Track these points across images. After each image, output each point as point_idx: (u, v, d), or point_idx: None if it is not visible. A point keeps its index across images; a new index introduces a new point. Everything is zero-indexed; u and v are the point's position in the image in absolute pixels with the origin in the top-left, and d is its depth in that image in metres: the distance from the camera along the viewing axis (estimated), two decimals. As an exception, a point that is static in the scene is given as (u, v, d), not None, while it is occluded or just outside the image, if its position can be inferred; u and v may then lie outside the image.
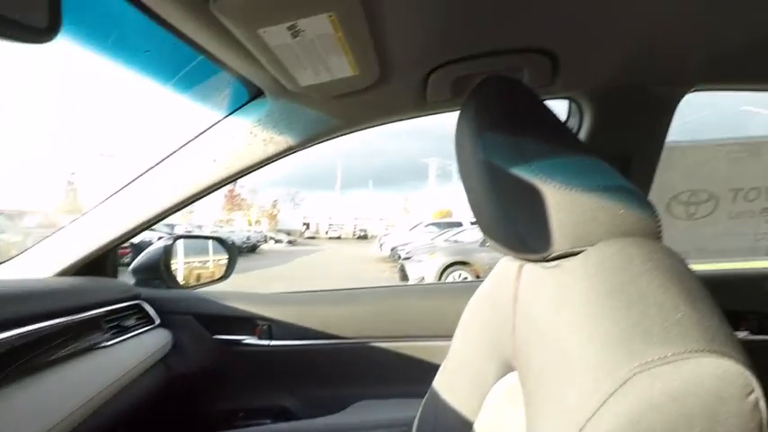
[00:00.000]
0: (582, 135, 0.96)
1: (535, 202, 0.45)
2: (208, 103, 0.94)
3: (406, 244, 10.68)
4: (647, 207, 0.44)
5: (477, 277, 6.44)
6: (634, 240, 0.42)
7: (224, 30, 0.60)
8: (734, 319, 1.10)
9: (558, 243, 0.45)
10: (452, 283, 3.20)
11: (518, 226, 0.49)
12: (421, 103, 0.93)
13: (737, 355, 0.31)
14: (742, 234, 1.11)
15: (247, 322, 1.18)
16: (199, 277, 1.38)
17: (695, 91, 0.91)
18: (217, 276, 1.31)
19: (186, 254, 1.47)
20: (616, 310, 0.36)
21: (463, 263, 6.91)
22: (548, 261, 0.48)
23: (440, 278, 6.66)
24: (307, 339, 1.16)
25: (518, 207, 0.48)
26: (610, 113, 0.93)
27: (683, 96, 0.90)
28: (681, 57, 0.83)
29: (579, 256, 0.44)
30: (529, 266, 0.53)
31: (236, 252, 1.40)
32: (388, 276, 10.03)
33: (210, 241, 1.55)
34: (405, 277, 7.83)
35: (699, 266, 1.21)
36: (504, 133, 0.50)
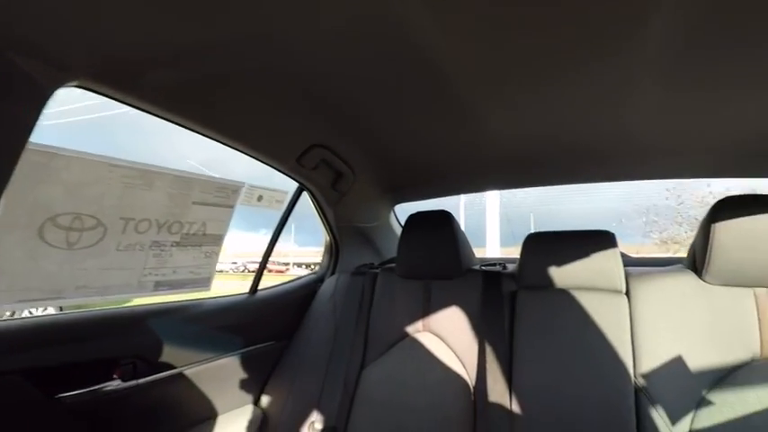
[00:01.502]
0: None
1: None
2: None
3: None
4: None
5: None
6: None
7: None
8: (106, 368, 0.96)
9: None
10: None
11: None
12: None
13: None
14: (130, 268, 1.02)
15: None
16: None
17: (78, 87, 0.71)
18: None
19: None
20: None
21: None
22: None
23: None
24: None
25: None
26: None
27: (57, 87, 0.67)
28: (62, 38, 0.61)
29: None
30: None
31: None
32: None
33: None
34: None
35: (79, 302, 1.00)
36: None
